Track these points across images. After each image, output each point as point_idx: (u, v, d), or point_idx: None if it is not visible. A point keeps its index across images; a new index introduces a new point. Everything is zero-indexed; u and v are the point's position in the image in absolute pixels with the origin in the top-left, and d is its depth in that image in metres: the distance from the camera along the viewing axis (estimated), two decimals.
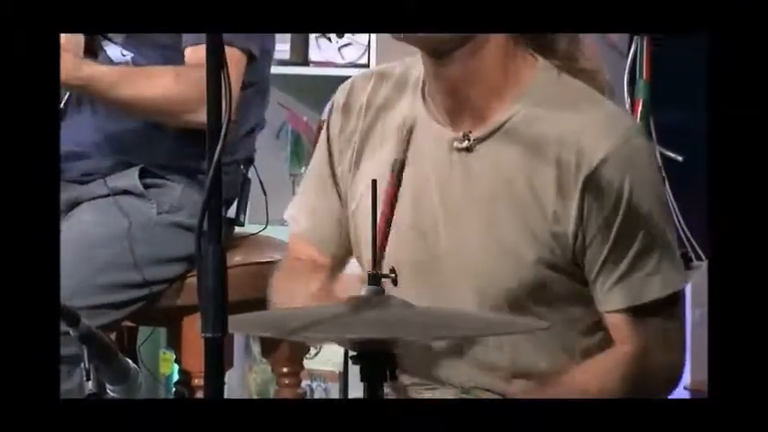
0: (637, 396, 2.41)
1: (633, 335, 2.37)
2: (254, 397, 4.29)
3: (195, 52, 3.09)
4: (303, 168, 4.20)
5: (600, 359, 2.39)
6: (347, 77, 2.62)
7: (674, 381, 2.47)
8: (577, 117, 2.34)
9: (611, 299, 2.35)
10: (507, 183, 2.34)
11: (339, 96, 2.52)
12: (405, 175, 2.32)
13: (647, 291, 2.35)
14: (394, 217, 2.29)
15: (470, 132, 2.36)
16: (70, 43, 2.99)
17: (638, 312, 2.36)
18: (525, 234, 2.34)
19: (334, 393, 4.17)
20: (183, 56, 3.04)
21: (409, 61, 2.49)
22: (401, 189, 2.32)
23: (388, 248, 2.30)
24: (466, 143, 2.37)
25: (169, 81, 3.02)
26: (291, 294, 2.46)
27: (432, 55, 2.36)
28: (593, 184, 2.32)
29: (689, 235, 3.87)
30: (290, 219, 2.58)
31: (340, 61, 4.15)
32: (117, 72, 3.07)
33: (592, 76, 2.44)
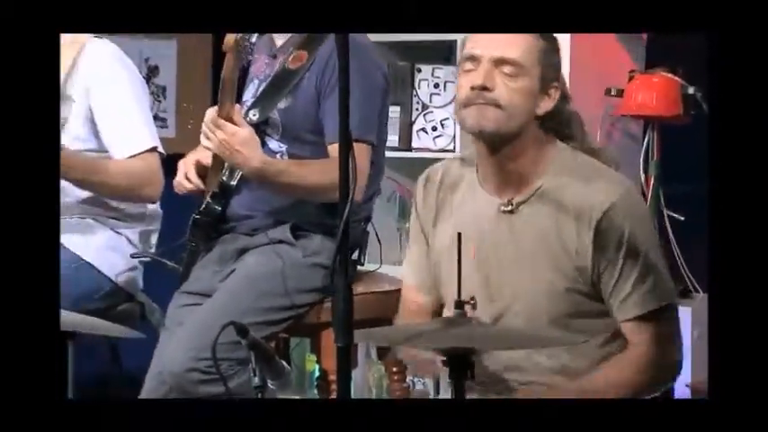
0: (648, 384, 2.40)
1: (642, 337, 2.37)
2: (373, 389, 4.23)
3: (336, 148, 3.06)
4: (406, 223, 4.16)
5: (621, 357, 2.38)
6: (438, 160, 2.66)
7: (675, 371, 2.44)
8: (589, 182, 2.38)
9: (622, 311, 2.37)
10: (541, 234, 2.38)
11: (423, 177, 2.56)
12: (469, 231, 2.34)
13: (648, 303, 2.36)
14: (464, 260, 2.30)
15: (513, 199, 2.40)
16: (253, 140, 2.94)
17: (643, 319, 2.36)
18: (556, 270, 2.36)
19: (430, 387, 4.11)
20: (326, 149, 3.02)
21: (465, 154, 2.54)
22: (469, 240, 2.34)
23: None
24: (510, 207, 2.40)
25: (318, 172, 2.99)
26: None
27: (489, 146, 2.39)
28: (602, 227, 2.34)
29: (689, 275, 3.78)
30: (403, 274, 2.60)
31: (433, 147, 4.11)
32: (281, 164, 3.04)
33: (598, 153, 2.47)
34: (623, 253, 2.32)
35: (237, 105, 2.99)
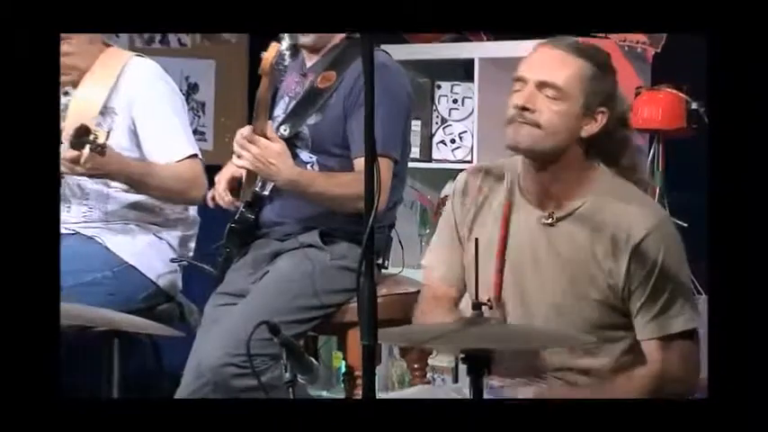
0: (661, 397, 2.35)
1: (661, 356, 2.35)
2: (396, 384, 4.23)
3: (361, 162, 3.06)
4: (426, 230, 4.16)
5: (637, 372, 2.36)
6: (457, 170, 2.63)
7: (690, 391, 2.40)
8: (627, 208, 2.36)
9: (646, 330, 2.35)
10: (578, 249, 2.37)
11: (459, 183, 2.53)
12: (508, 240, 2.39)
13: (673, 326, 2.35)
14: (501, 268, 2.38)
15: (554, 213, 2.39)
16: (285, 153, 2.97)
17: (665, 340, 2.35)
18: (589, 283, 2.36)
19: (449, 382, 4.09)
20: (351, 162, 3.04)
21: (503, 162, 2.50)
22: (507, 248, 2.39)
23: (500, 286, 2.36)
24: (550, 220, 2.39)
25: (344, 185, 3.01)
26: (434, 320, 2.45)
27: (533, 162, 2.39)
28: (637, 253, 2.33)
29: (693, 277, 3.75)
30: (428, 266, 2.57)
31: (452, 159, 4.11)
32: (311, 175, 3.06)
33: (642, 182, 2.46)
34: (654, 278, 2.32)
35: (269, 121, 3.01)
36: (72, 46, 3.09)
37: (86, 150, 2.88)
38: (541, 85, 2.32)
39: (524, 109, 2.32)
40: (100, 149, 2.90)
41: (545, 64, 2.34)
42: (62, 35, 3.02)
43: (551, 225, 2.38)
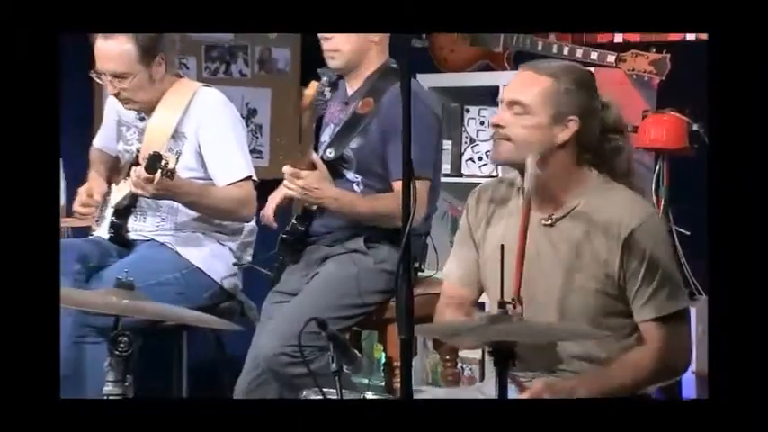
0: (659, 372, 2.35)
1: (657, 336, 2.34)
2: (429, 374, 4.22)
3: (398, 185, 3.08)
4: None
5: (638, 351, 2.36)
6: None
7: (684, 366, 2.40)
8: (619, 205, 2.36)
9: (642, 313, 2.35)
10: (576, 245, 2.37)
11: (474, 193, 2.55)
12: (514, 243, 2.32)
13: (664, 307, 2.34)
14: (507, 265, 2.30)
15: (552, 214, 2.39)
16: (326, 178, 3.01)
17: (659, 321, 2.35)
18: (588, 275, 2.35)
19: (476, 373, 4.08)
20: (390, 183, 3.07)
21: (515, 174, 2.47)
22: (512, 250, 2.30)
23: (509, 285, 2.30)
24: (550, 221, 2.39)
25: (383, 205, 3.04)
26: (450, 319, 2.47)
27: (520, 172, 2.38)
28: (628, 244, 2.33)
29: (694, 280, 3.73)
30: (445, 274, 2.57)
31: (479, 174, 4.12)
32: (351, 196, 3.09)
33: (629, 183, 2.43)
34: (645, 265, 2.31)
35: (312, 149, 3.05)
36: (131, 83, 3.12)
37: (158, 174, 2.95)
38: (510, 104, 2.35)
39: (497, 126, 2.36)
40: (169, 174, 2.96)
41: (515, 85, 2.36)
42: (120, 72, 3.05)
43: (551, 226, 2.37)
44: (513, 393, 2.28)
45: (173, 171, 2.96)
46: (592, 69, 2.53)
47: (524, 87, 2.35)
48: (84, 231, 3.40)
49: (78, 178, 3.35)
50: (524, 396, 2.26)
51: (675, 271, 2.38)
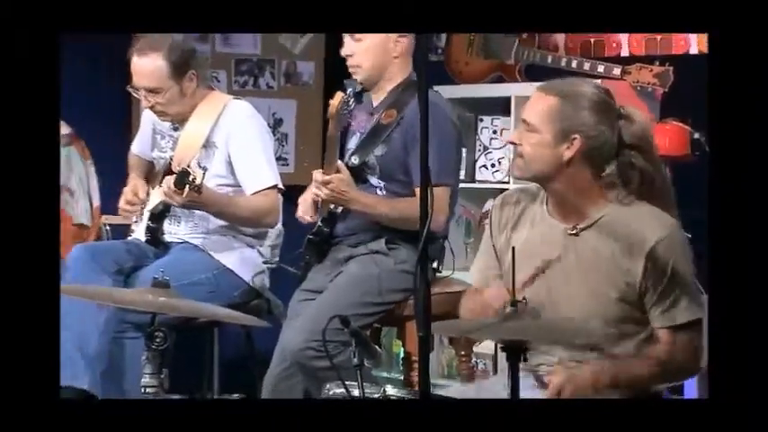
0: (669, 371, 2.34)
1: (672, 341, 2.33)
2: (445, 368, 4.21)
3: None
4: (470, 239, 4.16)
5: (651, 350, 2.34)
6: (498, 190, 2.63)
7: (695, 368, 2.38)
8: (643, 218, 2.35)
9: (660, 320, 2.34)
10: (599, 254, 2.36)
11: (498, 201, 2.52)
12: (538, 249, 2.37)
13: (681, 316, 2.33)
14: (534, 272, 2.35)
15: (577, 225, 2.38)
16: (350, 184, 3.01)
17: (674, 328, 2.34)
18: (610, 284, 2.34)
19: (489, 367, 4.07)
20: (412, 189, 3.07)
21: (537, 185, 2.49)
22: (537, 256, 2.34)
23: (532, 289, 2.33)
24: (575, 231, 2.38)
25: (404, 209, 3.05)
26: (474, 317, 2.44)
27: (541, 185, 2.40)
28: (652, 256, 2.31)
29: (696, 281, 3.70)
30: (472, 272, 2.56)
31: (492, 180, 4.11)
32: (374, 200, 3.11)
33: (655, 195, 2.38)
34: (667, 277, 2.30)
35: (338, 157, 3.06)
36: (164, 97, 3.16)
37: (186, 189, 2.98)
38: (523, 122, 2.37)
39: (512, 143, 2.40)
40: (197, 189, 2.98)
41: (528, 104, 2.37)
42: (153, 87, 3.08)
43: (576, 235, 2.37)
44: (531, 387, 2.28)
45: (200, 186, 2.97)
46: (608, 87, 2.45)
47: (532, 106, 2.36)
48: (121, 230, 3.44)
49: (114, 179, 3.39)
50: (546, 394, 2.22)
51: (694, 284, 2.36)
